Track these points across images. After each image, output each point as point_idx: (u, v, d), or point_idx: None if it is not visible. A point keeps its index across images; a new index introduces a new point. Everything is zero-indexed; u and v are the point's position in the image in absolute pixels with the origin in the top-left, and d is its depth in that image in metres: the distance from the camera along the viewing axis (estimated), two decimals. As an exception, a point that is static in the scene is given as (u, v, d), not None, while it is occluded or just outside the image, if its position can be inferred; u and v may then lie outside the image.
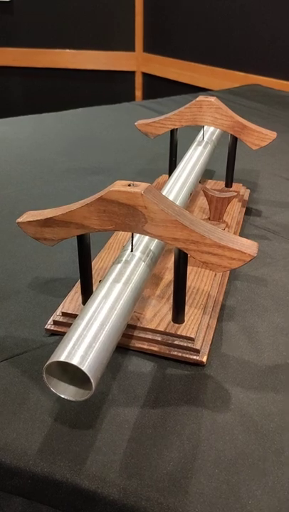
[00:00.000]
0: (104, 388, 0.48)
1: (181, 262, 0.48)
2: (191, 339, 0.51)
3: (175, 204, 0.47)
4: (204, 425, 0.44)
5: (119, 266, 0.46)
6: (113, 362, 0.51)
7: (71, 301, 0.56)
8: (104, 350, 0.37)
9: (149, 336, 0.52)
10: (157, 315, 0.53)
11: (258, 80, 1.95)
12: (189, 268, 0.61)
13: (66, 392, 0.37)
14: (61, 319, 0.54)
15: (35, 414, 0.45)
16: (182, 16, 2.21)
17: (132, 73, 2.58)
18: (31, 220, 0.50)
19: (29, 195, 0.90)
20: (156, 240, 0.51)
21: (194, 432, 0.43)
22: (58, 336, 0.54)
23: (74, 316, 0.54)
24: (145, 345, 0.52)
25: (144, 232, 0.46)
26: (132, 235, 0.49)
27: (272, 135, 0.78)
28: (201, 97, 0.78)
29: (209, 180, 0.91)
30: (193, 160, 0.73)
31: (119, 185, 0.44)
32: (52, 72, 2.59)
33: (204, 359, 0.50)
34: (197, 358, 0.50)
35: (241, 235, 0.76)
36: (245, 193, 0.87)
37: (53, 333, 0.55)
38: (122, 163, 1.07)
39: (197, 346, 0.50)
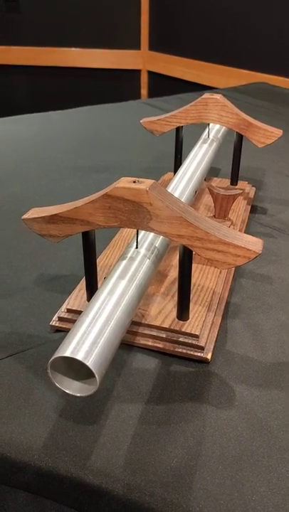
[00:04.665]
0: (109, 384, 0.48)
1: (186, 259, 0.48)
2: (196, 336, 0.51)
3: (180, 201, 0.47)
4: (208, 422, 0.44)
5: (124, 263, 0.46)
6: (118, 358, 0.51)
7: (76, 297, 0.56)
8: (108, 346, 0.37)
9: (154, 332, 0.52)
10: (162, 312, 0.53)
11: (265, 78, 1.95)
12: (194, 265, 0.61)
13: (71, 387, 0.37)
14: (66, 316, 0.54)
15: (40, 409, 0.45)
16: (188, 14, 2.21)
17: (138, 71, 2.58)
18: (36, 216, 0.50)
19: (35, 192, 0.91)
20: (161, 237, 0.51)
21: (198, 428, 0.43)
22: (62, 332, 0.55)
23: (79, 313, 0.54)
24: (150, 342, 0.52)
25: (149, 229, 0.46)
26: (137, 231, 0.49)
27: (278, 133, 0.78)
28: (206, 95, 0.78)
29: (214, 178, 0.91)
30: (198, 158, 0.73)
31: (125, 182, 0.44)
32: (58, 71, 2.59)
33: (209, 356, 0.50)
34: (202, 355, 0.50)
35: (246, 232, 0.76)
36: (251, 190, 0.87)
37: (58, 330, 0.55)
38: (127, 161, 1.07)
39: (202, 343, 0.50)
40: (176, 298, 0.54)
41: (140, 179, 0.45)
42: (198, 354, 0.50)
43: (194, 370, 0.50)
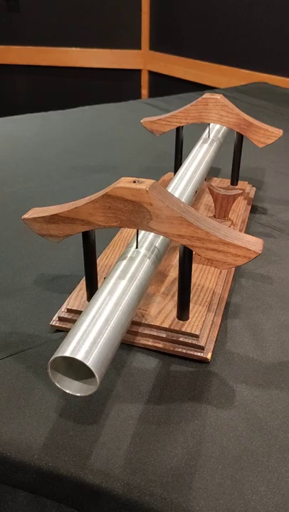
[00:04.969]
0: (109, 384, 0.48)
1: (186, 259, 0.48)
2: (196, 336, 0.51)
3: (180, 201, 0.47)
4: (208, 422, 0.44)
5: (124, 262, 0.46)
6: (118, 358, 0.51)
7: (76, 297, 0.56)
8: (108, 346, 0.37)
9: (154, 332, 0.52)
10: (162, 312, 0.53)
11: (265, 78, 1.95)
12: (194, 265, 0.61)
13: (71, 387, 0.37)
14: (66, 315, 0.54)
15: (40, 409, 0.45)
16: (188, 14, 2.21)
17: (138, 71, 2.58)
18: (37, 216, 0.50)
19: (35, 192, 0.91)
20: (161, 237, 0.51)
21: (198, 428, 0.43)
22: (63, 332, 0.55)
23: (79, 313, 0.54)
24: (150, 342, 0.52)
25: (149, 229, 0.46)
26: (137, 231, 0.49)
27: (278, 133, 0.78)
28: (207, 95, 0.78)
29: (215, 178, 0.91)
30: (198, 157, 0.73)
31: (125, 182, 0.44)
32: (58, 71, 2.59)
33: (209, 356, 0.50)
34: (201, 354, 0.50)
35: (247, 232, 0.76)
36: (251, 190, 0.87)
37: (58, 330, 0.55)
38: (127, 161, 1.07)
39: (202, 343, 0.50)
40: (176, 298, 0.54)
41: (140, 179, 0.45)
42: (198, 354, 0.50)
43: (194, 370, 0.50)
